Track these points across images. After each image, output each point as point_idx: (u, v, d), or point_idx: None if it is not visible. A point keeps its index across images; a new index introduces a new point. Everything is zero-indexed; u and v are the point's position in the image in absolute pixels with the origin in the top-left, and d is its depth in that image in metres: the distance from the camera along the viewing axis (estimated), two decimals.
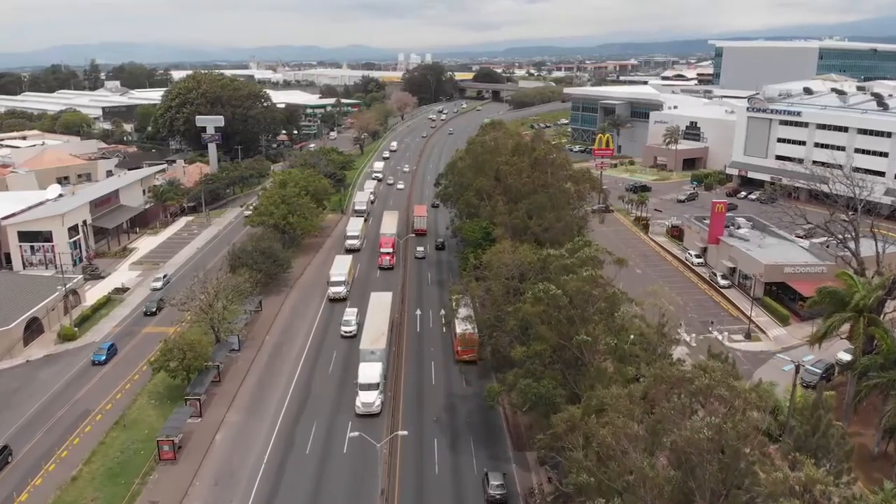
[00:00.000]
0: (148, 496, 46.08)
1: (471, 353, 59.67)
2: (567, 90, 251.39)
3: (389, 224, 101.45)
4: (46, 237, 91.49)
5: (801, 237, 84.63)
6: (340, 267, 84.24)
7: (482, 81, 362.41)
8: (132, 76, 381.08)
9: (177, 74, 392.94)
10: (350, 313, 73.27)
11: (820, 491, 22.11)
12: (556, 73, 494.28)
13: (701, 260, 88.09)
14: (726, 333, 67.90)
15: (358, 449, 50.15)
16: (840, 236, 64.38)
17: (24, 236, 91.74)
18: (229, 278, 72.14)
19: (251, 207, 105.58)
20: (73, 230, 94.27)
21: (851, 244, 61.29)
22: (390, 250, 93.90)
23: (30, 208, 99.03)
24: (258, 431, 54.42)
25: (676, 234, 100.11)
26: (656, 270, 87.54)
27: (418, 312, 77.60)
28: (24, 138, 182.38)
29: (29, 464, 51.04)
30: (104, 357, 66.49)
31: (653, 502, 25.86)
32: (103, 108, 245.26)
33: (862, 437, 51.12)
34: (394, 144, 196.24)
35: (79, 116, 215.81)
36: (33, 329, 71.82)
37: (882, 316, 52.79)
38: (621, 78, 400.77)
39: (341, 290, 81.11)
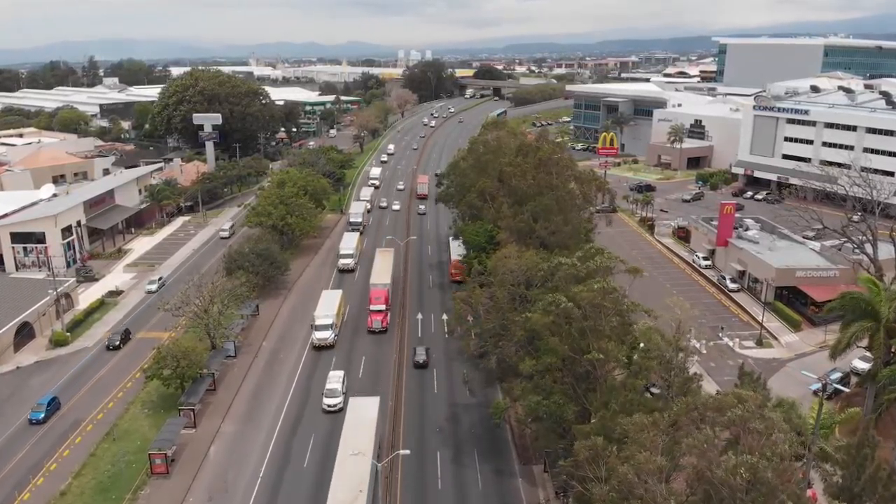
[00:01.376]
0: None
1: (459, 275, 78.44)
2: (569, 87, 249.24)
3: (382, 268, 79.23)
4: (39, 238, 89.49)
5: (811, 239, 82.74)
6: (327, 306, 68.83)
7: (483, 78, 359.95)
8: (130, 73, 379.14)
9: (176, 71, 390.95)
10: (334, 379, 57.67)
11: None
12: (557, 70, 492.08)
13: (709, 262, 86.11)
14: (737, 340, 65.99)
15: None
16: (856, 240, 62.40)
17: (17, 237, 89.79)
18: (225, 282, 70.26)
19: (226, 229, 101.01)
20: (67, 231, 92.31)
21: (869, 248, 59.32)
22: (382, 307, 71.82)
23: (22, 209, 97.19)
24: (254, 443, 52.51)
25: (683, 235, 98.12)
26: (663, 273, 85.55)
27: (419, 317, 75.61)
28: (20, 136, 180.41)
29: (17, 476, 49.21)
30: (43, 415, 55.51)
31: None
32: (101, 106, 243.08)
33: (880, 449, 49.25)
34: (391, 147, 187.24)
35: (76, 114, 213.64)
36: (24, 334, 69.89)
37: None
38: (622, 75, 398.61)
39: (328, 335, 66.37)
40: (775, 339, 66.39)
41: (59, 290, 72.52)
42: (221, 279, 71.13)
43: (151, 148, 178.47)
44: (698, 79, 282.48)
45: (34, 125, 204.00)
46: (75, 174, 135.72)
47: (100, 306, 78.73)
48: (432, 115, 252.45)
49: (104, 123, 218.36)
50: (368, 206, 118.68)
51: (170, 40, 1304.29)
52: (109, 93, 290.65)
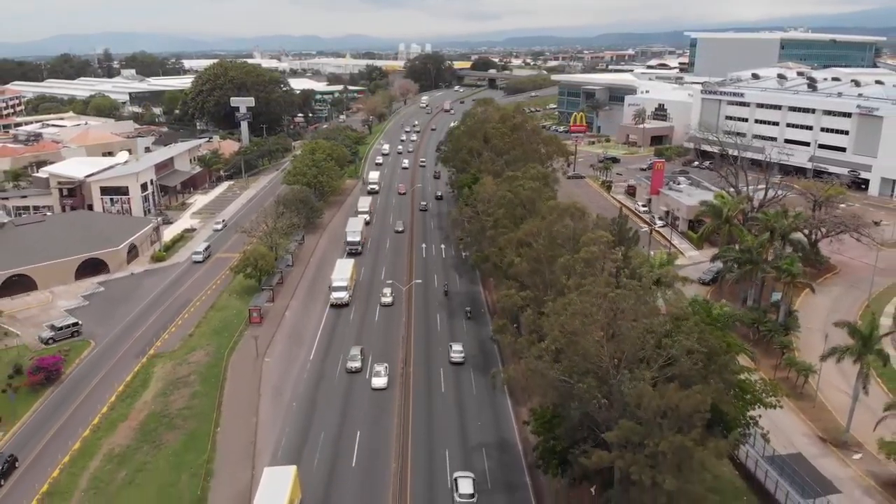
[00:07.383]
0: (247, 339, 69.02)
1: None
2: (555, 77, 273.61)
3: None
4: (123, 192, 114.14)
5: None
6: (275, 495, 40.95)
7: (479, 70, 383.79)
8: (144, 65, 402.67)
9: (188, 63, 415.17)
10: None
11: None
12: (552, 63, 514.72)
13: (646, 208, 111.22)
14: (654, 253, 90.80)
15: (384, 319, 74.32)
16: (723, 175, 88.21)
17: (106, 191, 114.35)
18: (280, 217, 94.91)
19: (199, 251, 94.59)
20: (143, 187, 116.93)
21: (733, 180, 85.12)
22: None
23: (105, 170, 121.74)
24: (315, 310, 77.54)
25: (632, 192, 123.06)
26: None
27: (423, 245, 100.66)
28: (61, 119, 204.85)
29: (157, 327, 74.12)
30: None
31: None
32: (130, 94, 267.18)
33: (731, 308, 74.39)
34: (386, 147, 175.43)
35: (108, 101, 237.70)
36: (132, 254, 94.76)
37: (749, 229, 75.91)
38: (609, 67, 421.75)
39: None
40: (681, 254, 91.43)
41: (158, 220, 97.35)
42: (276, 217, 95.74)
43: (181, 130, 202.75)
44: (678, 70, 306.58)
45: (70, 111, 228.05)
46: (121, 151, 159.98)
47: (181, 238, 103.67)
48: (407, 130, 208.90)
49: (136, 109, 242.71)
50: (368, 219, 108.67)
51: (170, 33, 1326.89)
52: (132, 82, 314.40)
